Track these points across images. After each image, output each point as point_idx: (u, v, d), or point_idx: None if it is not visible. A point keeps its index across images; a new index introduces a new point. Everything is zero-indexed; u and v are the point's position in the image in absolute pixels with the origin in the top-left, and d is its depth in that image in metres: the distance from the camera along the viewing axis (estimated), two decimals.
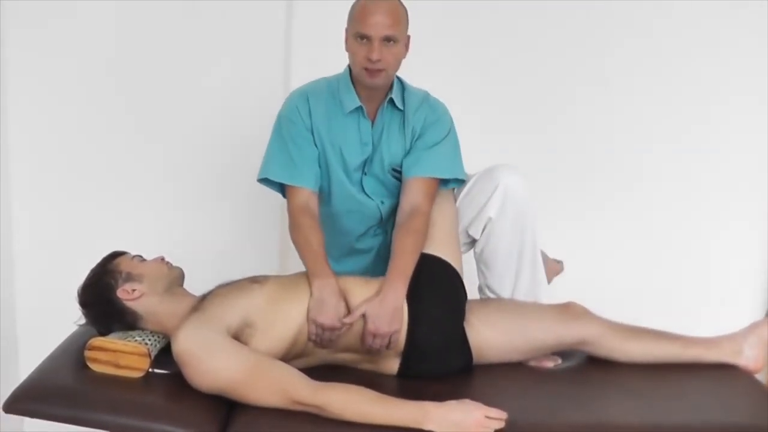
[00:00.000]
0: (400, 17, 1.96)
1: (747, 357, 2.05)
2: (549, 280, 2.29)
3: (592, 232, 2.87)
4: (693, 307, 2.79)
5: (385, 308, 1.87)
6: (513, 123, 2.88)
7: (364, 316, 1.88)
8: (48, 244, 2.81)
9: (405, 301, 1.91)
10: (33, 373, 1.84)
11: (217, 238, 2.89)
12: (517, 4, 2.81)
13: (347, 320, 1.88)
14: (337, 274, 1.96)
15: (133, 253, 1.96)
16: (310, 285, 1.91)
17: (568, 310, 2.07)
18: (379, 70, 1.95)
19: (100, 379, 1.80)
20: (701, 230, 2.91)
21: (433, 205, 2.05)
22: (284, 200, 2.11)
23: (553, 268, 2.39)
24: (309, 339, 1.89)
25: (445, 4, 2.79)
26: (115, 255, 1.94)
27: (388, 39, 1.93)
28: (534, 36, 2.86)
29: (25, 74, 2.72)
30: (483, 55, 2.85)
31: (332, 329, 1.87)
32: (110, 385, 1.78)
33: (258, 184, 2.14)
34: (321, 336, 1.88)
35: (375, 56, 1.92)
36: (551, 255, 2.41)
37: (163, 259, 1.96)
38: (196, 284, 1.96)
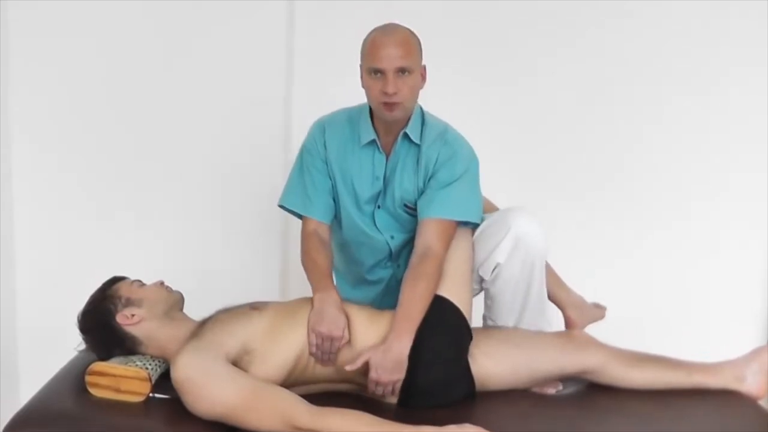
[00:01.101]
0: (413, 47, 1.94)
1: (749, 383, 2.05)
2: (584, 325, 2.24)
3: (593, 255, 2.87)
4: (694, 332, 2.77)
5: (388, 359, 1.86)
6: (510, 139, 2.88)
7: (367, 362, 1.87)
8: (49, 267, 2.81)
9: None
10: (34, 397, 1.84)
11: (218, 259, 2.89)
12: (516, 20, 2.84)
13: (349, 368, 1.87)
14: (345, 300, 1.97)
15: (133, 277, 1.97)
16: (312, 300, 1.93)
17: (572, 339, 2.08)
18: (396, 103, 1.92)
19: (101, 404, 1.80)
20: (702, 254, 2.90)
21: (448, 247, 2.01)
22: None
23: (593, 314, 2.29)
24: (310, 353, 1.89)
25: (447, 20, 2.81)
26: (115, 280, 1.95)
27: (402, 70, 1.90)
28: (533, 49, 2.87)
29: (26, 85, 2.74)
30: (484, 68, 2.87)
31: (332, 339, 1.87)
32: (111, 410, 1.78)
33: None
34: (321, 347, 1.88)
35: (390, 89, 1.89)
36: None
37: (162, 283, 1.97)
38: (196, 305, 1.97)
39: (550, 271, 2.19)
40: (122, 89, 2.79)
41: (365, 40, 1.96)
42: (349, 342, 1.91)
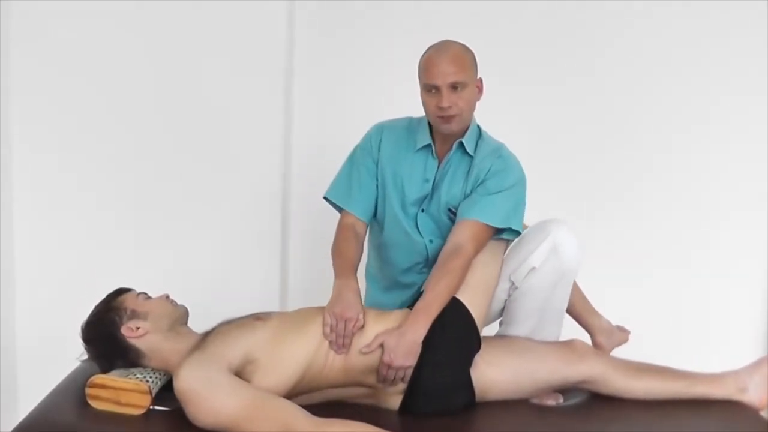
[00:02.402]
0: (466, 62, 2.01)
1: (752, 393, 2.05)
2: (611, 350, 2.26)
3: (594, 270, 2.86)
4: (695, 343, 2.77)
5: (403, 342, 1.89)
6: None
7: (381, 346, 1.89)
8: (49, 278, 2.80)
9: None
10: (34, 410, 1.84)
11: (220, 272, 2.88)
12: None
13: (365, 350, 1.89)
14: (381, 305, 2.02)
15: (138, 290, 1.97)
16: (333, 285, 1.97)
17: (573, 349, 2.07)
18: (452, 116, 2.01)
19: (101, 417, 1.79)
20: (703, 265, 2.90)
21: (479, 253, 2.04)
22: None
23: (619, 338, 2.31)
24: (324, 335, 1.90)
25: (446, 20, 2.80)
26: (121, 292, 1.95)
27: (455, 85, 1.99)
28: (544, 55, 2.88)
29: (27, 95, 2.74)
30: (499, 90, 2.86)
31: (346, 320, 1.89)
32: (111, 423, 1.78)
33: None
34: (336, 329, 1.89)
35: (445, 104, 1.98)
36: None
37: (168, 297, 1.97)
38: (197, 317, 1.97)
39: (581, 296, 2.27)
40: (122, 90, 2.80)
41: (421, 58, 2.04)
42: (362, 328, 1.92)
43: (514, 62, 2.85)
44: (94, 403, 1.81)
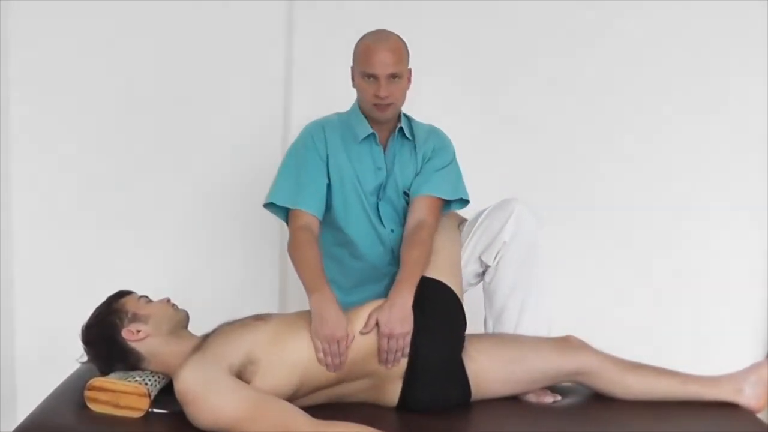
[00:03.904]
0: (402, 53, 2.10)
1: (748, 396, 2.04)
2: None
3: (591, 270, 2.87)
4: (693, 348, 2.77)
5: (395, 312, 1.92)
6: (510, 158, 2.88)
7: (376, 324, 1.92)
8: (48, 282, 2.80)
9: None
10: (33, 412, 1.84)
11: (219, 275, 2.88)
12: (514, 32, 2.85)
13: (364, 330, 1.91)
14: (349, 305, 2.00)
15: (140, 293, 1.97)
16: (308, 301, 1.94)
17: (567, 342, 2.08)
18: (388, 105, 2.09)
19: (100, 419, 1.80)
20: (702, 269, 2.89)
21: (438, 228, 2.14)
22: (285, 235, 2.11)
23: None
24: (318, 360, 1.88)
25: (447, 35, 2.83)
26: (122, 294, 1.95)
27: (393, 75, 2.07)
28: (533, 65, 2.87)
29: (27, 94, 2.75)
30: (483, 89, 2.87)
31: (339, 340, 1.88)
32: (110, 426, 1.78)
33: (259, 222, 2.16)
34: (329, 351, 1.88)
35: (383, 93, 2.06)
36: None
37: (168, 300, 1.97)
38: (196, 321, 1.98)
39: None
40: (122, 91, 2.80)
41: (358, 45, 2.11)
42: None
43: (515, 63, 2.86)
44: (92, 406, 1.81)
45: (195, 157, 2.86)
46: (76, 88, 2.78)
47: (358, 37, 2.11)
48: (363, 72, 2.07)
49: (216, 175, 2.88)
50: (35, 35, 2.73)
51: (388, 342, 1.91)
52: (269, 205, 2.16)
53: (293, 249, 2.07)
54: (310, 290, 1.96)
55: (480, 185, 2.30)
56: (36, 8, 2.71)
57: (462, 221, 2.28)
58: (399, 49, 2.09)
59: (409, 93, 2.16)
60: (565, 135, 2.89)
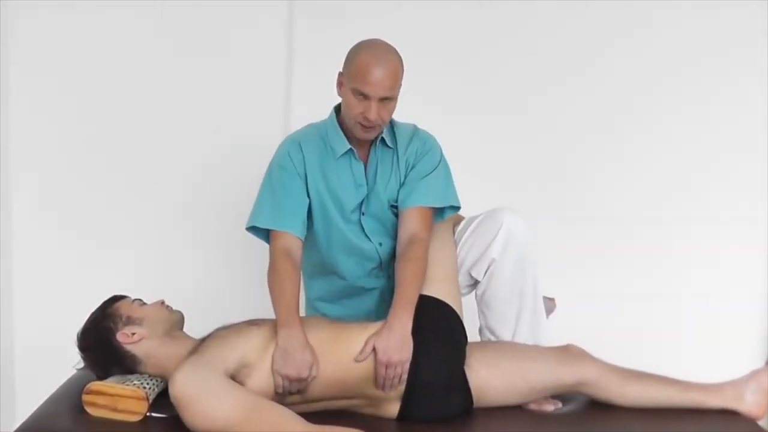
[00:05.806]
0: (399, 75, 1.99)
1: (749, 403, 2.04)
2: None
3: (591, 275, 2.86)
4: (693, 354, 2.76)
5: (393, 338, 1.88)
6: (510, 162, 2.88)
7: (374, 350, 1.88)
8: (46, 286, 2.80)
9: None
10: (31, 416, 1.84)
11: (213, 280, 2.88)
12: (512, 38, 2.84)
13: (360, 358, 1.88)
14: (338, 317, 1.97)
15: (132, 295, 1.97)
16: (277, 334, 1.88)
17: (568, 351, 2.07)
18: (374, 127, 2.00)
19: (98, 424, 1.80)
20: (701, 274, 2.88)
21: (431, 238, 2.06)
22: None
23: (547, 306, 2.33)
24: (276, 392, 1.86)
25: (444, 37, 2.82)
26: (116, 299, 1.95)
27: (386, 98, 1.96)
28: (532, 68, 2.86)
29: (27, 94, 2.75)
30: (480, 92, 2.86)
31: (298, 380, 1.85)
32: (108, 430, 1.78)
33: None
34: (287, 388, 1.86)
35: (373, 117, 1.96)
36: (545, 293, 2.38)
37: (163, 302, 1.97)
38: (190, 323, 1.97)
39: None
40: (121, 91, 2.80)
41: (354, 58, 1.98)
42: (349, 342, 1.90)
43: (514, 62, 2.85)
44: (90, 410, 1.81)
45: (195, 157, 2.86)
46: (76, 89, 2.78)
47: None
48: (355, 89, 1.95)
49: (216, 176, 2.87)
50: (35, 35, 2.73)
51: (386, 370, 1.88)
52: (251, 229, 2.10)
53: (271, 275, 1.99)
54: (280, 324, 1.89)
55: (474, 189, 2.27)
56: (36, 8, 2.71)
57: (458, 221, 2.21)
58: (396, 71, 1.96)
59: (402, 94, 2.04)
60: (562, 138, 2.89)
